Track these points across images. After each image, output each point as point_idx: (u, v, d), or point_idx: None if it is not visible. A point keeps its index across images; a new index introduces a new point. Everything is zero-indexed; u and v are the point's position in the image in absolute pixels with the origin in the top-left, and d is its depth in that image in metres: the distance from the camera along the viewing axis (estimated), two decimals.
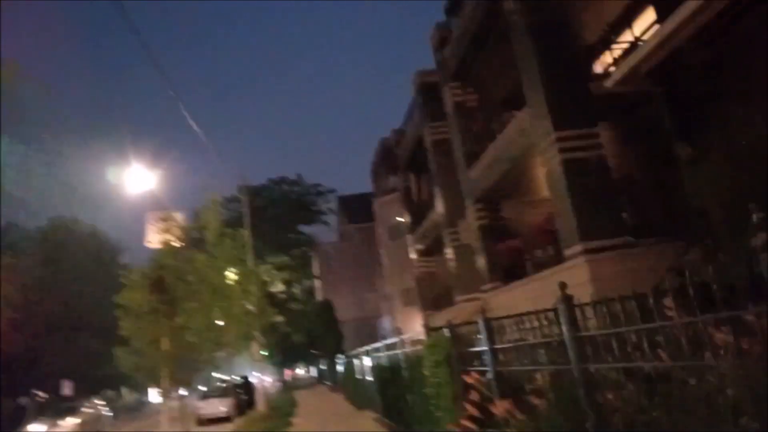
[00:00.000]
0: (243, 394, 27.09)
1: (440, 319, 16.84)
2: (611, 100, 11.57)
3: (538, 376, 3.92)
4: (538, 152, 11.91)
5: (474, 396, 4.60)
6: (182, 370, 7.86)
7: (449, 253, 19.44)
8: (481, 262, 15.97)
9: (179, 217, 8.15)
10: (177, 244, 7.78)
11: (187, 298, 7.97)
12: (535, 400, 3.71)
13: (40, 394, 41.64)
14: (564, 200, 10.87)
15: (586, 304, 3.38)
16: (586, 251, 10.30)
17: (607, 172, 11.05)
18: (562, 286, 3.53)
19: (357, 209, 48.36)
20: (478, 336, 5.41)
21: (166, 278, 7.57)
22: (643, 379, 2.97)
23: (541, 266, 13.36)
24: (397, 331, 10.29)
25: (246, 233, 11.38)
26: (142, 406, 46.73)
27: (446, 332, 6.37)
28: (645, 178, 11.54)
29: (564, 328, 3.45)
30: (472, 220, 16.45)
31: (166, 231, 7.76)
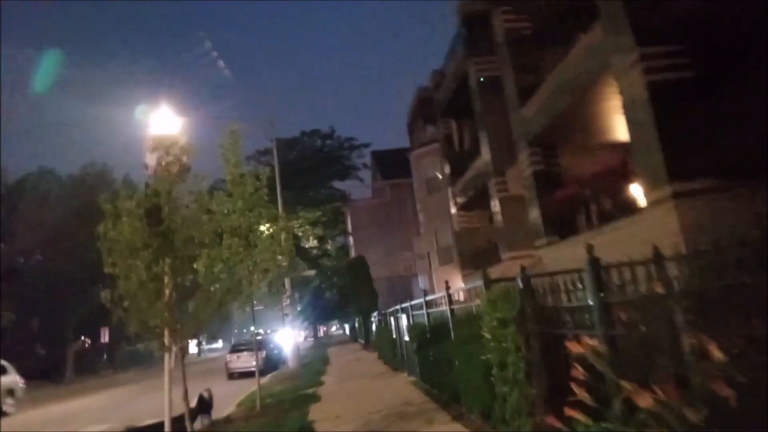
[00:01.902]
0: (274, 349, 26.49)
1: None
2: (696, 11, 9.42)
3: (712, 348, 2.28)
4: (612, 77, 9.92)
5: (579, 373, 3.02)
6: (190, 322, 6.52)
7: (495, 205, 17.66)
8: (534, 214, 14.18)
9: (181, 138, 6.72)
10: (176, 168, 6.36)
11: (193, 236, 6.58)
12: (723, 390, 2.10)
13: (84, 340, 42.43)
14: (648, 133, 8.94)
15: None
16: (676, 195, 8.44)
17: (701, 99, 9.01)
18: None
19: (391, 165, 46.63)
20: (576, 286, 3.81)
21: (162, 207, 6.17)
22: None
23: (608, 217, 11.55)
24: (443, 288, 8.76)
25: (269, 170, 9.90)
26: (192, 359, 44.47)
27: (519, 282, 4.77)
28: (745, 107, 9.44)
29: None
30: (524, 167, 14.58)
31: (165, 152, 6.35)
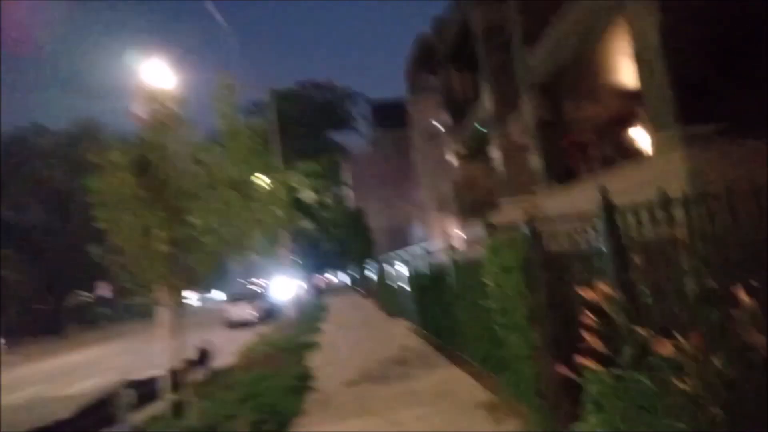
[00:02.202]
0: (271, 299, 26.71)
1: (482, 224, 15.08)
2: None
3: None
4: (625, 19, 9.46)
5: (589, 319, 2.88)
6: (183, 274, 6.39)
7: (496, 152, 17.35)
8: (535, 161, 13.92)
9: (169, 89, 6.40)
10: (166, 118, 6.08)
11: (187, 189, 6.37)
12: (754, 337, 1.95)
13: (85, 294, 42.84)
14: (656, 70, 8.59)
15: None
16: (684, 138, 8.18)
17: (717, 42, 8.60)
18: None
19: (389, 116, 45.94)
20: (586, 232, 3.63)
21: (152, 159, 5.93)
22: None
23: (609, 164, 11.33)
24: (441, 236, 8.60)
25: (266, 125, 9.56)
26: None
27: (524, 228, 4.60)
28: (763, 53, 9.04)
29: None
30: (527, 113, 14.21)
31: (155, 103, 6.05)
